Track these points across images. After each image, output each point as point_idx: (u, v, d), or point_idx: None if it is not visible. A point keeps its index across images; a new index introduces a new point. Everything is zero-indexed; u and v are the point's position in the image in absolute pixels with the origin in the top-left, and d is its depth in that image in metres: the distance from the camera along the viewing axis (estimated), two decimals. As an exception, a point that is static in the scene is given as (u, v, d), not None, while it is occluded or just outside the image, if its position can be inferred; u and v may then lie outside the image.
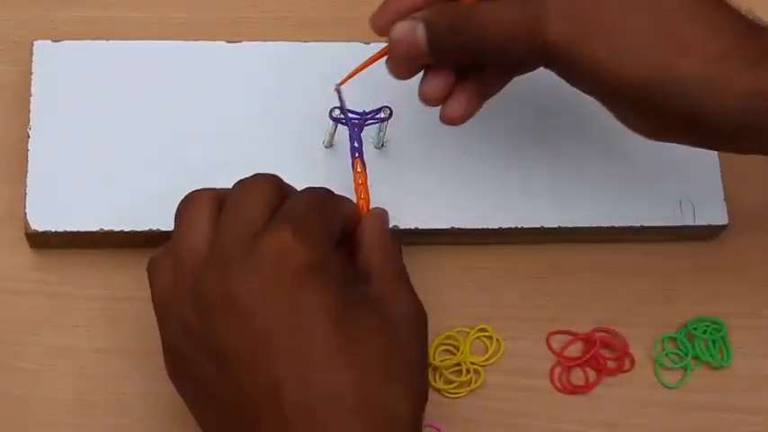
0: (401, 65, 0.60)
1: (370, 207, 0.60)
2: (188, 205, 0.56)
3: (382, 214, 0.60)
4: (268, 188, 0.55)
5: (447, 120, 0.61)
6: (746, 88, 0.55)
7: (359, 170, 0.61)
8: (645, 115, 0.58)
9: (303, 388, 0.51)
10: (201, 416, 0.55)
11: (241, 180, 0.56)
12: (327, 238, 0.54)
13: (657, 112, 0.57)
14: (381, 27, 0.59)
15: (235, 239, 0.53)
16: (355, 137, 0.62)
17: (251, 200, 0.55)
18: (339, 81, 0.62)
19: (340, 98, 0.62)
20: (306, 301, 0.51)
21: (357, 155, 0.62)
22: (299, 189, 0.57)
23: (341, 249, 0.58)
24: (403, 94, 0.63)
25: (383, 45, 0.68)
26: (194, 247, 0.54)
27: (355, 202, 0.60)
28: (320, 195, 0.56)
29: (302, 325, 0.51)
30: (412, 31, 0.58)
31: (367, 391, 0.51)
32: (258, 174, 0.56)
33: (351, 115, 0.63)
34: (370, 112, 0.64)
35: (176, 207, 0.56)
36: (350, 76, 0.62)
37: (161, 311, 0.55)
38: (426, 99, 0.60)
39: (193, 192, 0.56)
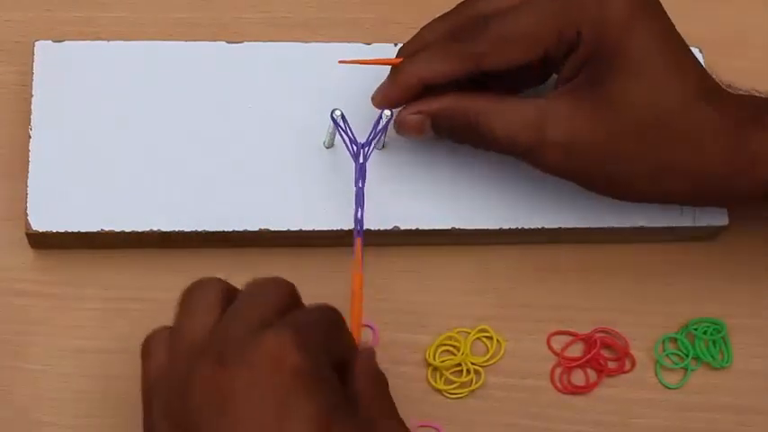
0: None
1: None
2: (197, 291, 0.55)
3: (371, 351, 0.57)
4: (281, 292, 0.55)
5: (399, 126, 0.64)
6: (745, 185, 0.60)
7: (357, 288, 0.60)
8: None
9: None
10: None
11: (256, 279, 0.55)
12: (326, 349, 0.53)
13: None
14: (389, 103, 0.63)
15: (236, 333, 0.52)
16: (360, 175, 0.62)
17: (261, 299, 0.54)
18: (343, 60, 0.63)
19: (337, 125, 0.63)
20: (294, 405, 0.50)
21: (358, 235, 0.61)
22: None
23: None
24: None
25: (384, 45, 0.68)
26: (194, 332, 0.53)
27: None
28: (331, 315, 0.55)
29: (288, 428, 0.50)
30: (419, 124, 0.62)
31: None
32: (276, 277, 0.55)
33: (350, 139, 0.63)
34: (365, 142, 0.63)
35: (184, 289, 0.55)
36: (355, 62, 0.64)
37: (146, 389, 0.55)
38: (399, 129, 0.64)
39: (204, 278, 0.55)
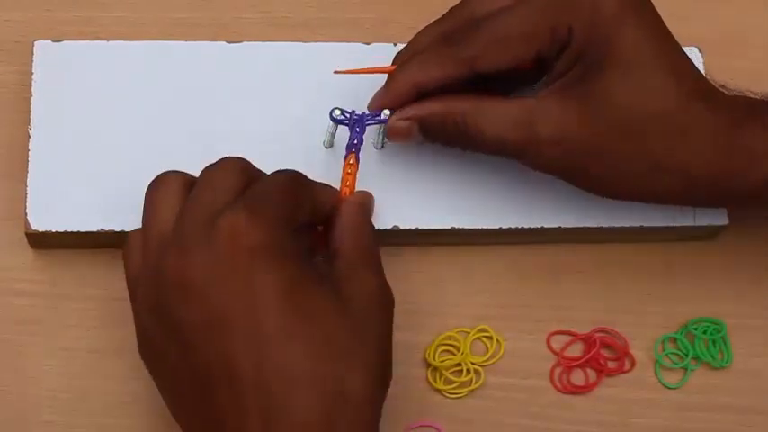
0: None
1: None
2: (157, 187, 0.58)
3: (362, 197, 0.61)
4: (233, 172, 0.57)
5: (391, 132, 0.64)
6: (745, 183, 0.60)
7: (351, 162, 0.62)
8: None
9: (256, 364, 0.52)
10: (166, 393, 0.56)
11: (209, 165, 0.58)
12: (286, 219, 0.55)
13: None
14: (384, 107, 0.63)
15: (194, 221, 0.54)
16: (357, 136, 0.63)
17: (215, 184, 0.56)
18: (339, 70, 0.64)
19: (337, 125, 0.64)
20: (257, 279, 0.53)
21: (353, 150, 0.62)
22: None
23: (314, 231, 0.60)
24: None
25: (384, 45, 0.68)
26: (160, 227, 0.56)
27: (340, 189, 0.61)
28: (285, 178, 0.57)
29: (253, 303, 0.52)
30: (407, 130, 0.62)
31: (316, 364, 0.52)
32: (225, 158, 0.58)
33: (351, 116, 0.63)
34: (369, 115, 0.63)
35: (147, 186, 0.58)
36: (351, 72, 0.64)
37: (131, 289, 0.58)
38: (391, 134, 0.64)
39: (163, 173, 0.58)
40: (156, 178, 0.58)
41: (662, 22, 0.61)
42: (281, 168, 0.58)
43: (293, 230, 0.55)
